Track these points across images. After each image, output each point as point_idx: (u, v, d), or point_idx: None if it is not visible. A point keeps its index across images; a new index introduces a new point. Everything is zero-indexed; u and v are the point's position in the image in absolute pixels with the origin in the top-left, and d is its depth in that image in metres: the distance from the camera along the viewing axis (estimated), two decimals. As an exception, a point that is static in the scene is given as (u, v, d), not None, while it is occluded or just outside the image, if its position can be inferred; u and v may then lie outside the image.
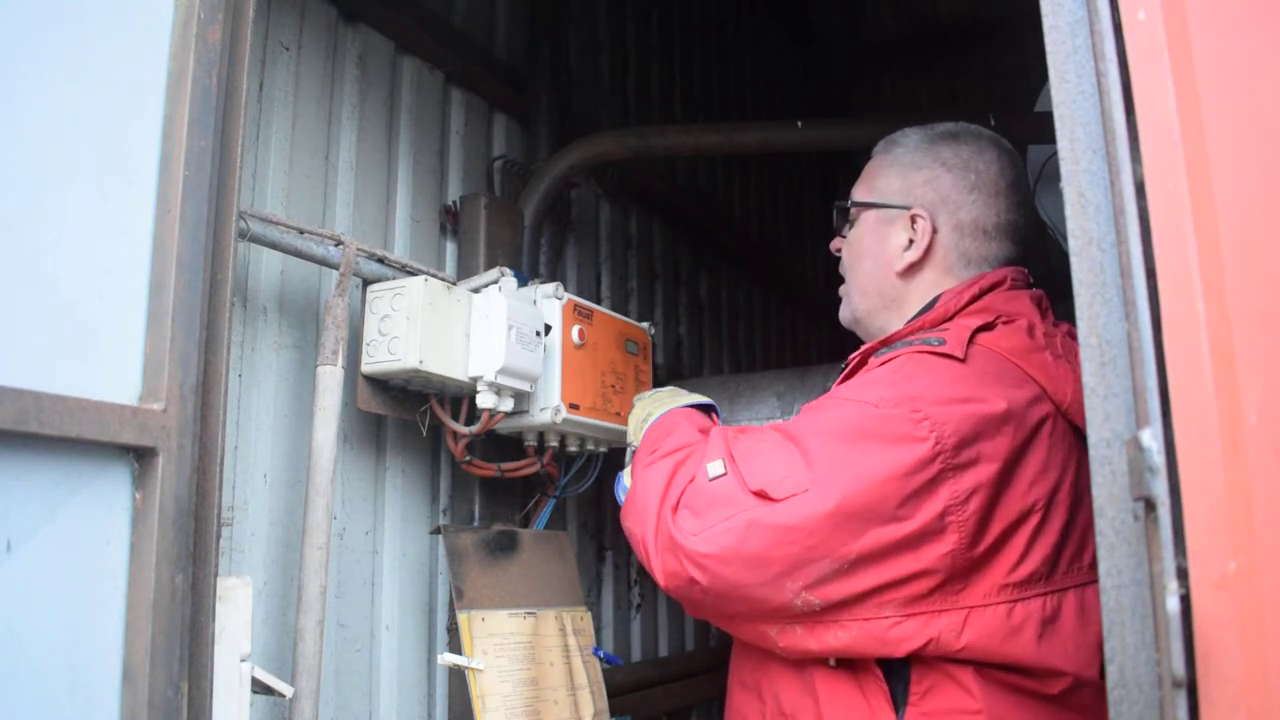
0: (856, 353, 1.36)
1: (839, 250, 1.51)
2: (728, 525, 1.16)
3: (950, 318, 1.30)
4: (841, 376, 1.36)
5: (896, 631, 1.12)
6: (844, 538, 1.11)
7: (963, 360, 1.19)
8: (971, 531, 1.11)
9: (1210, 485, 0.60)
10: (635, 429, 1.55)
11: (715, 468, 1.22)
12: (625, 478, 1.47)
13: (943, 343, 1.21)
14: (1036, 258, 1.44)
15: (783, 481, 1.15)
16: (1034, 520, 1.14)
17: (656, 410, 1.52)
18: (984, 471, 1.12)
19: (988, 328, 1.26)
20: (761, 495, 1.16)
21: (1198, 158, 0.65)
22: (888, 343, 1.32)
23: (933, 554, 1.11)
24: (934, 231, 1.36)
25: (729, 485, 1.19)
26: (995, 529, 1.12)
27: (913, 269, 1.38)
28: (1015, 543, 1.13)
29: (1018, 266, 1.38)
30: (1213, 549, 0.59)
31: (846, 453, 1.14)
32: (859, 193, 1.47)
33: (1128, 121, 0.69)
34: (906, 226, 1.38)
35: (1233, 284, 0.62)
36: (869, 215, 1.44)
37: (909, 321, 1.35)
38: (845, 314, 1.49)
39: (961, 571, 1.12)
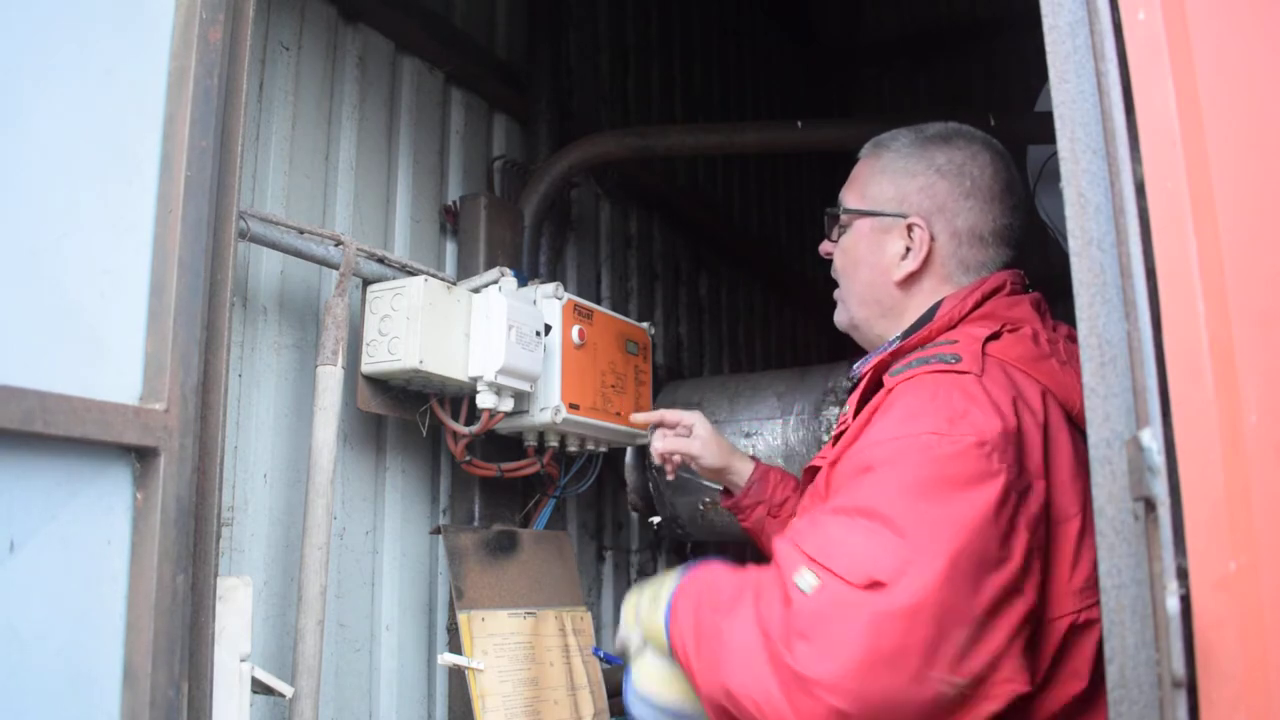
0: (867, 367, 1.32)
1: (829, 254, 1.49)
2: (851, 632, 1.01)
3: (954, 325, 1.29)
4: (855, 395, 1.30)
5: (1026, 678, 1.05)
6: (966, 594, 1.02)
7: (981, 375, 1.16)
8: (1043, 551, 1.09)
9: (1210, 485, 0.60)
10: (646, 616, 1.28)
11: (806, 580, 1.05)
12: (644, 683, 1.24)
13: (959, 359, 1.18)
14: (1034, 258, 1.43)
15: (882, 562, 1.02)
16: (1075, 525, 1.12)
17: (663, 590, 1.29)
18: (1038, 489, 1.10)
19: (994, 337, 1.25)
20: (872, 585, 1.02)
21: (1198, 158, 0.65)
22: (897, 355, 1.28)
23: (1032, 587, 1.06)
24: (931, 240, 1.34)
25: (832, 591, 1.04)
26: (1053, 543, 1.11)
27: (911, 278, 1.36)
28: (1066, 551, 1.11)
29: (1015, 269, 1.38)
30: (1213, 549, 0.60)
31: (932, 509, 1.04)
32: (850, 199, 1.44)
33: (1128, 121, 0.69)
34: (903, 235, 1.36)
35: (1233, 284, 0.62)
36: (863, 222, 1.41)
37: (912, 330, 1.33)
38: (842, 319, 1.48)
39: (1042, 595, 1.09)
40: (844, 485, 1.13)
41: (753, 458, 1.77)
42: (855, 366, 1.44)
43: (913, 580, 1.00)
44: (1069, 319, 0.73)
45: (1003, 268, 1.37)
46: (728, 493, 1.79)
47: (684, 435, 1.76)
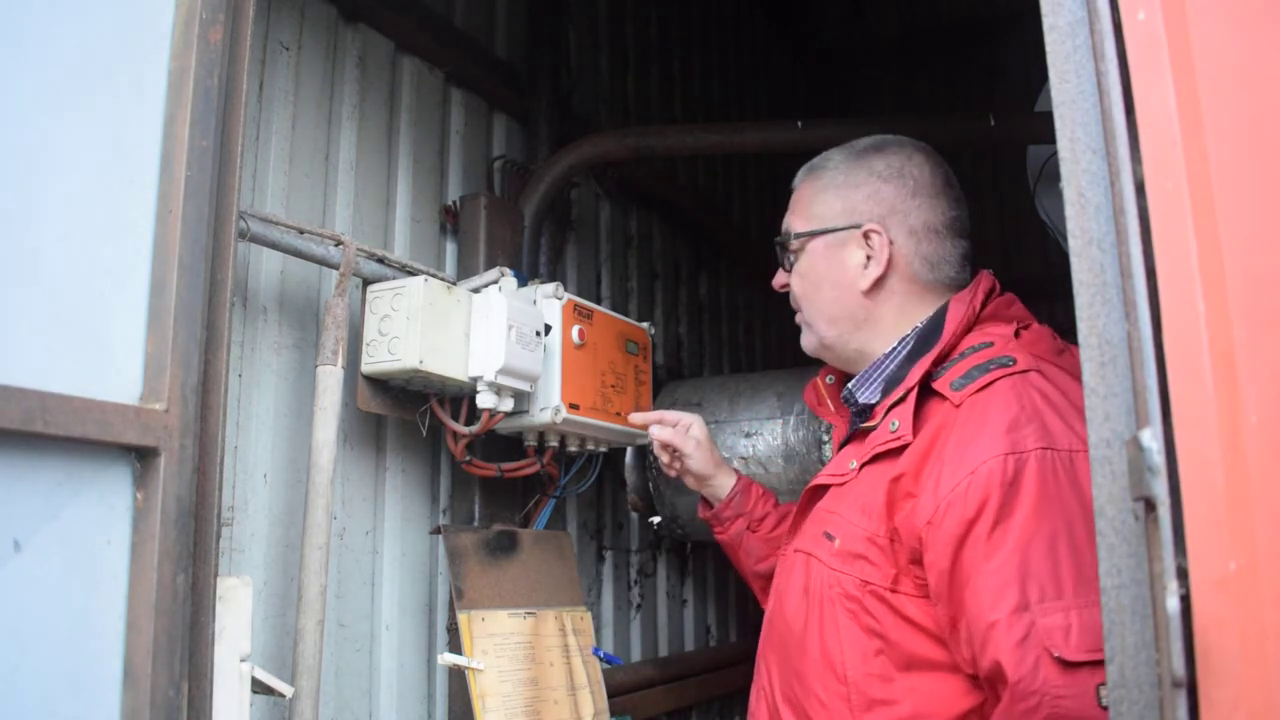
0: (914, 381, 1.26)
1: (785, 287, 1.48)
2: None
3: (970, 328, 1.30)
4: (907, 410, 1.24)
5: None
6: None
7: (1040, 372, 1.19)
8: None
9: (1210, 485, 0.60)
10: None
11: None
12: None
13: (1014, 361, 1.19)
14: (1034, 258, 1.44)
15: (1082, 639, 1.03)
16: None
17: None
18: None
19: (1015, 335, 1.26)
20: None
21: (1198, 158, 0.65)
22: (939, 363, 1.26)
23: None
24: (890, 243, 1.35)
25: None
26: None
27: (877, 284, 1.36)
28: None
29: (987, 269, 1.39)
30: (1213, 549, 0.59)
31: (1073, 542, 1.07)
32: (797, 224, 1.44)
33: (1128, 121, 0.69)
34: (861, 244, 1.36)
35: (1233, 284, 0.62)
36: (816, 243, 1.41)
37: (929, 337, 1.30)
38: (810, 342, 1.47)
39: None
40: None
41: (735, 470, 1.77)
42: (853, 387, 1.40)
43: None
44: (1069, 319, 0.74)
45: (964, 257, 1.38)
46: (705, 504, 1.78)
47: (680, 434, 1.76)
